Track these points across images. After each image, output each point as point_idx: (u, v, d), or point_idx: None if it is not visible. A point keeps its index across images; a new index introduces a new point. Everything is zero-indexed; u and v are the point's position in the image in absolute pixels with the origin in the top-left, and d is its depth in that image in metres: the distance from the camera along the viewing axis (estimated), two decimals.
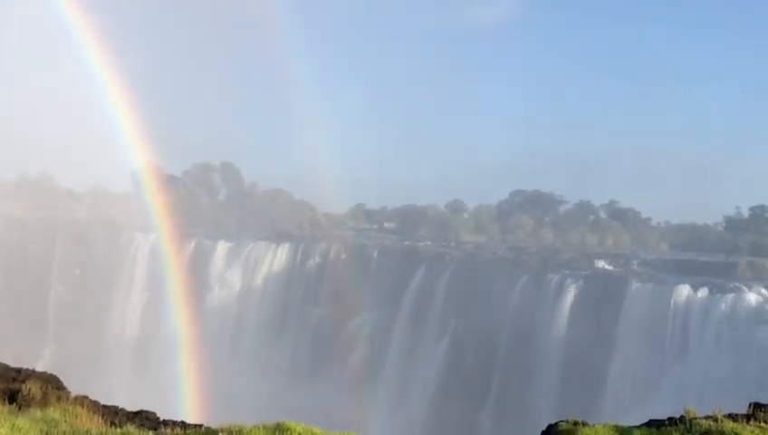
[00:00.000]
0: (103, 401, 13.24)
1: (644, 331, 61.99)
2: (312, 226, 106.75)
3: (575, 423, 11.72)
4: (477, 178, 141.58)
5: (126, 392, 56.33)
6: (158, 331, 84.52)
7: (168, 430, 11.91)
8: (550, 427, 12.05)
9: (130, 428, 11.74)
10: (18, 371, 13.50)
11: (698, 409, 11.58)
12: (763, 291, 59.84)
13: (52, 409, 12.04)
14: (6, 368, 13.65)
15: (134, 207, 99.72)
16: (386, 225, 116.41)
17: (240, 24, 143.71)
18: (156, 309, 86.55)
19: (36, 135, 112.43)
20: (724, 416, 11.22)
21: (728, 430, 10.73)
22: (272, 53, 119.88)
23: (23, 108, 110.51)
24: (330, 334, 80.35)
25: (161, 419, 12.79)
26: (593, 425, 11.65)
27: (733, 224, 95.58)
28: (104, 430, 11.60)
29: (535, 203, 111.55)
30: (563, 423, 11.86)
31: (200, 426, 12.07)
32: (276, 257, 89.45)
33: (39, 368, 14.42)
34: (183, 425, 12.26)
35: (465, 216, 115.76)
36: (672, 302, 60.84)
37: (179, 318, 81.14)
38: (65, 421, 11.62)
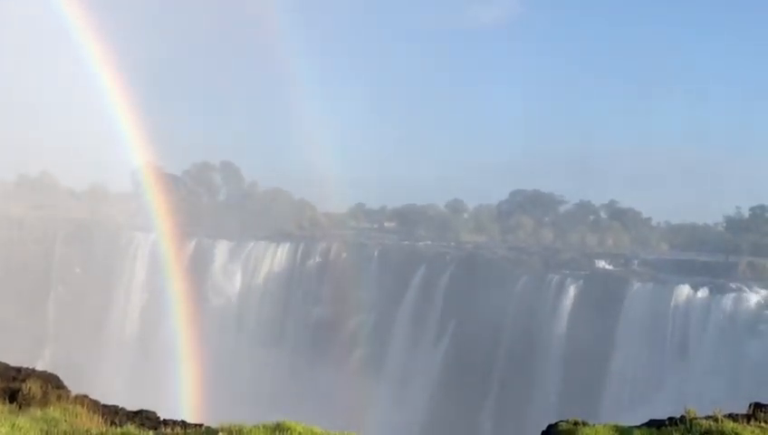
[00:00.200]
0: (103, 401, 13.24)
1: (644, 331, 62.01)
2: (313, 225, 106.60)
3: (575, 423, 11.71)
4: (477, 178, 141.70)
5: (126, 392, 56.30)
6: (158, 331, 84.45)
7: (168, 430, 11.90)
8: (550, 427, 12.04)
9: (130, 427, 11.72)
10: (18, 370, 13.49)
11: (698, 409, 11.56)
12: (764, 291, 59.83)
13: (52, 408, 12.03)
14: (6, 367, 13.64)
15: (134, 207, 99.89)
16: (386, 224, 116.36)
17: (240, 24, 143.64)
18: (156, 309, 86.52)
19: (36, 135, 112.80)
20: (725, 416, 11.20)
21: (728, 430, 10.72)
22: (272, 53, 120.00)
23: (23, 108, 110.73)
24: (330, 334, 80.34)
25: (161, 418, 12.77)
26: (593, 425, 11.64)
27: (733, 224, 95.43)
28: (104, 429, 11.59)
29: (535, 203, 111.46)
30: (563, 423, 11.85)
31: (200, 425, 12.06)
32: (276, 257, 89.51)
33: (39, 368, 14.40)
34: (183, 425, 12.24)
35: (465, 216, 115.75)
36: (672, 302, 60.88)
37: (179, 318, 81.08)
38: (65, 421, 11.62)
